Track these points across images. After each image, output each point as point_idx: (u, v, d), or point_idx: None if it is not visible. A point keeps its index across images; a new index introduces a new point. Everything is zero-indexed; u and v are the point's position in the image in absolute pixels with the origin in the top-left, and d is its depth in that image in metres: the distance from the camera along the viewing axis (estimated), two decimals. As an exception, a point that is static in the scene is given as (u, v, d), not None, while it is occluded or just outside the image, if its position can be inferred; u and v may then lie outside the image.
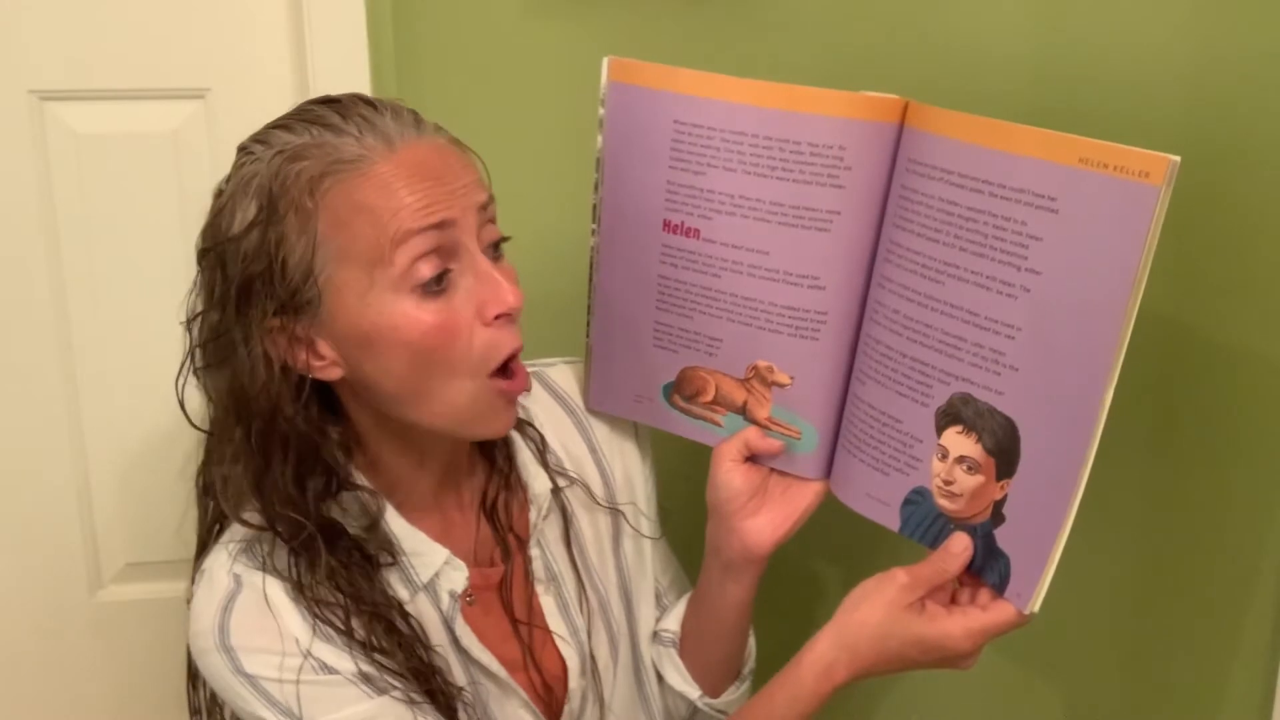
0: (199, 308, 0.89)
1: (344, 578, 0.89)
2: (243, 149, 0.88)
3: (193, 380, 0.91)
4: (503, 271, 0.89)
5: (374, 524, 0.92)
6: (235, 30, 1.22)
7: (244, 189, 0.85)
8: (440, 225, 0.84)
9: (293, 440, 0.88)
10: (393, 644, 0.90)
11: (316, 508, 0.90)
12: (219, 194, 0.88)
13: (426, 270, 0.84)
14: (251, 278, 0.85)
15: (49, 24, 1.18)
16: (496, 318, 0.87)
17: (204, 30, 1.21)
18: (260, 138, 0.88)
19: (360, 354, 0.87)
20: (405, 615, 0.92)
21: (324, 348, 0.87)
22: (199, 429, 0.93)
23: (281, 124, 0.87)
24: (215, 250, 0.87)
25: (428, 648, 0.92)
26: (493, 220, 0.90)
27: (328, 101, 0.88)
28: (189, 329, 0.90)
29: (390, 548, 0.93)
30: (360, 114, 0.86)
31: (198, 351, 0.89)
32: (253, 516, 0.90)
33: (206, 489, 0.95)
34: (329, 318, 0.86)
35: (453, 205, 0.85)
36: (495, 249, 0.90)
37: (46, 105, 1.20)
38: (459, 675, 0.95)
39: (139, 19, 1.19)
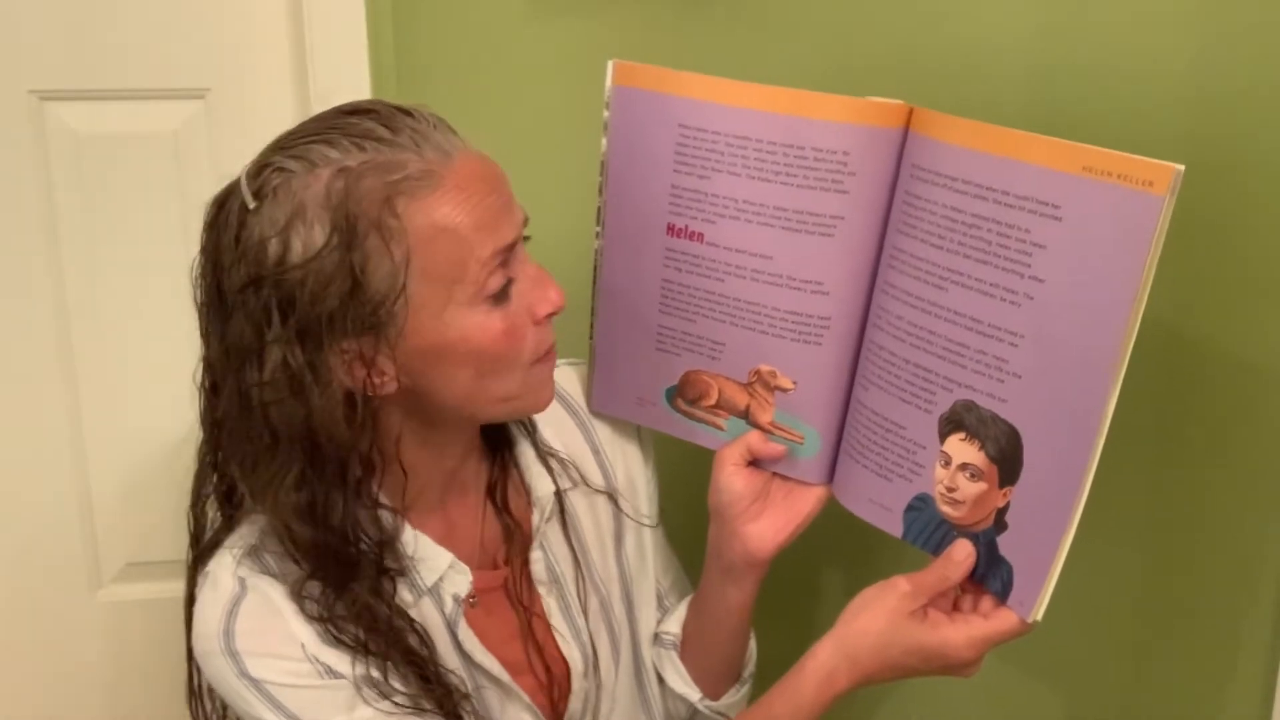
0: (245, 341, 0.83)
1: (355, 601, 0.89)
2: (268, 165, 0.83)
3: (190, 384, 0.89)
4: (541, 272, 0.91)
5: (390, 541, 0.91)
6: (235, 30, 1.21)
7: (300, 212, 0.81)
8: (514, 243, 0.87)
9: (350, 462, 0.86)
10: (402, 660, 0.90)
11: (354, 531, 0.89)
12: (246, 211, 0.83)
13: (497, 282, 0.86)
14: (329, 304, 0.81)
15: (49, 24, 1.18)
16: (546, 316, 0.90)
17: (204, 30, 1.21)
18: (296, 153, 0.83)
19: (427, 366, 0.86)
20: (418, 632, 0.92)
21: (385, 364, 0.85)
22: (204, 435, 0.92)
23: (320, 138, 0.83)
24: (272, 279, 0.81)
25: (439, 664, 0.92)
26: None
27: (361, 112, 0.85)
28: (247, 365, 0.84)
29: (399, 559, 0.92)
30: (407, 125, 0.84)
31: (260, 388, 0.84)
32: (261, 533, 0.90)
33: (222, 500, 0.94)
34: (399, 335, 0.84)
35: (513, 220, 0.87)
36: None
37: (46, 105, 1.20)
38: (464, 680, 0.95)
39: (139, 19, 1.19)
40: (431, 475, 0.95)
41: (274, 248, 0.82)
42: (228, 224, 0.84)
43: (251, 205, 0.82)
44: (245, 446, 0.86)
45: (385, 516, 0.91)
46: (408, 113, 0.86)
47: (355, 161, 0.82)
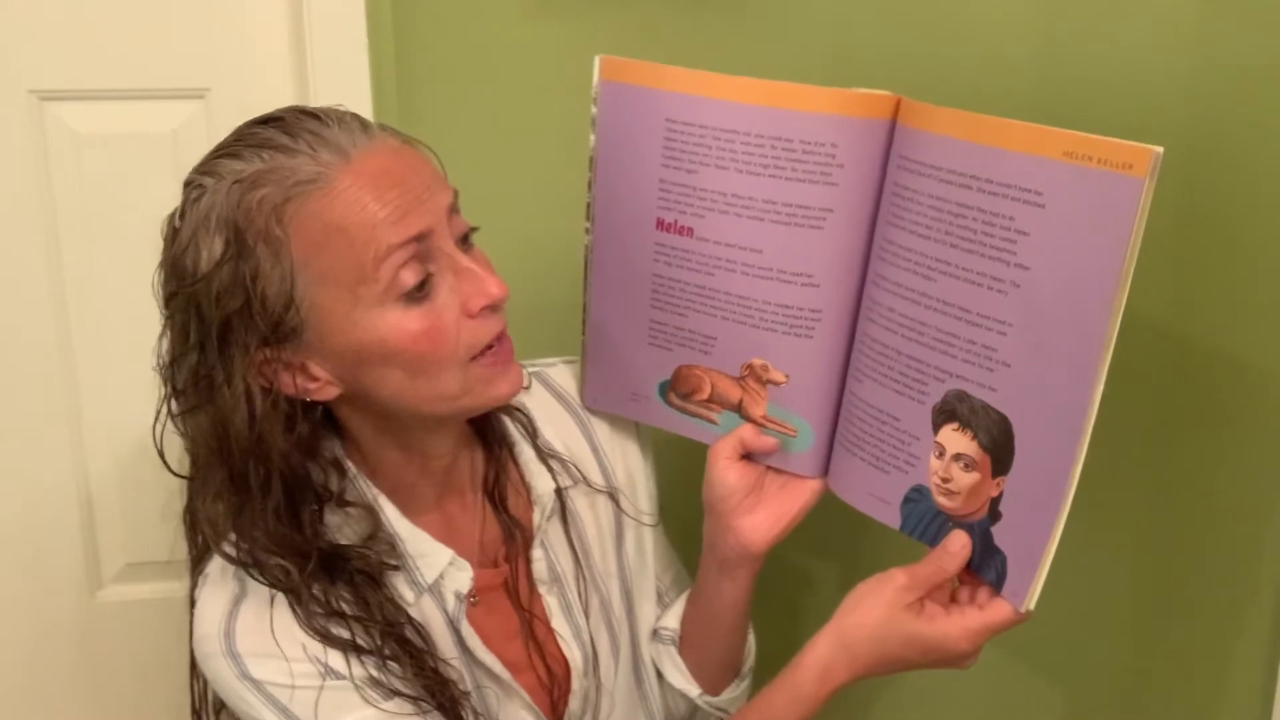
0: (173, 351, 0.87)
1: (349, 600, 0.89)
2: (190, 183, 0.86)
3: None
4: (478, 261, 0.89)
5: (373, 534, 0.92)
6: (235, 30, 1.22)
7: (204, 225, 0.84)
8: (419, 237, 0.84)
9: (281, 473, 0.87)
10: (403, 655, 0.90)
11: (312, 534, 0.89)
12: (174, 232, 0.86)
13: (410, 278, 0.84)
14: (229, 315, 0.83)
15: (49, 24, 1.18)
16: (482, 309, 0.87)
17: (204, 30, 1.21)
18: (207, 169, 0.85)
19: (354, 369, 0.87)
20: (415, 626, 0.92)
21: (316, 370, 0.87)
22: (177, 475, 0.92)
23: (227, 152, 0.85)
24: (185, 292, 0.85)
25: (437, 659, 0.92)
26: (458, 212, 0.89)
27: (269, 121, 0.86)
28: (166, 375, 0.88)
29: (393, 551, 0.92)
30: (307, 129, 0.84)
31: (178, 397, 0.87)
32: (234, 550, 0.89)
33: (193, 526, 0.94)
34: (317, 340, 0.85)
35: (425, 212, 0.84)
36: (465, 240, 0.89)
37: (46, 105, 1.20)
38: (464, 678, 0.95)
39: (139, 19, 1.20)
40: (421, 477, 0.95)
41: (188, 262, 0.84)
42: (163, 243, 0.87)
43: (177, 224, 0.86)
44: (192, 467, 0.89)
45: (364, 513, 0.92)
46: (315, 116, 0.86)
47: (251, 171, 0.83)
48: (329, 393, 0.88)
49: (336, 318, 0.84)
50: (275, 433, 0.86)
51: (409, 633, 0.91)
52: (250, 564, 0.88)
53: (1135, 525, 1.20)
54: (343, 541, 0.91)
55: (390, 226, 0.82)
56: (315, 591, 0.88)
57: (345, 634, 0.88)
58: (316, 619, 0.88)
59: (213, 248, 0.83)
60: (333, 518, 0.92)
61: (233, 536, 0.88)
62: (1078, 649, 1.27)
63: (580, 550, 1.04)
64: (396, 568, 0.92)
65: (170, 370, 0.87)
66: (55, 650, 1.35)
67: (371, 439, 0.93)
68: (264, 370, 0.85)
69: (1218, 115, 1.07)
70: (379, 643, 0.89)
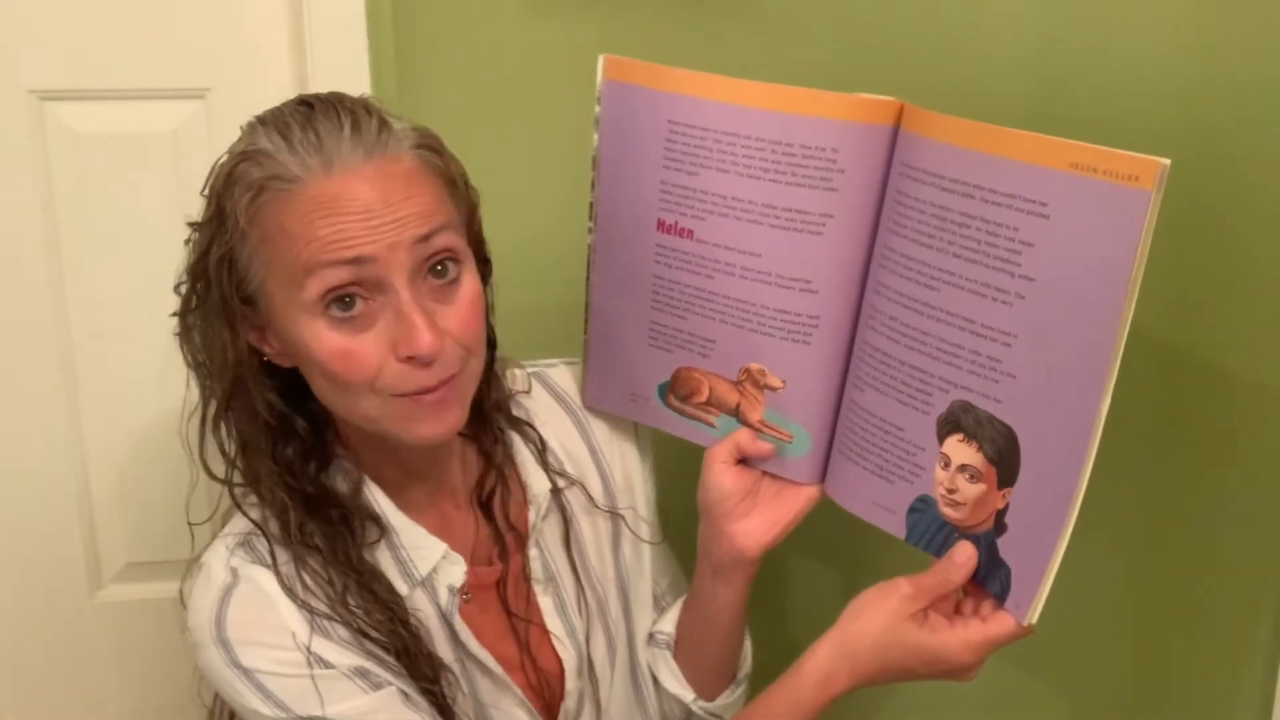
0: (181, 274, 0.91)
1: (324, 538, 0.90)
2: (242, 128, 0.89)
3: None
4: (447, 303, 0.87)
5: (356, 490, 0.93)
6: (235, 30, 1.21)
7: (215, 180, 0.88)
8: (355, 261, 0.83)
9: (262, 412, 0.90)
10: (374, 606, 0.90)
11: (301, 474, 0.92)
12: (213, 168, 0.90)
13: (334, 297, 0.84)
14: (208, 266, 0.87)
15: (49, 24, 1.18)
16: (408, 359, 0.85)
17: (204, 30, 1.21)
18: (250, 126, 0.88)
19: (294, 358, 0.89)
20: (391, 589, 0.92)
21: (271, 339, 0.89)
22: (190, 366, 0.94)
23: (265, 117, 0.88)
24: (193, 230, 0.90)
25: (407, 614, 0.92)
26: (445, 249, 0.86)
27: (305, 104, 0.87)
28: (178, 291, 0.92)
29: (378, 521, 0.93)
30: (318, 128, 0.84)
31: (181, 315, 0.92)
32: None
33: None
34: (268, 316, 0.88)
35: (376, 241, 0.83)
36: (441, 274, 0.86)
37: (46, 105, 1.20)
38: (455, 672, 0.95)
39: (139, 19, 1.19)
40: (406, 477, 0.96)
41: (202, 202, 0.89)
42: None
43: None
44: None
45: (349, 469, 0.93)
46: (337, 115, 0.86)
47: (256, 149, 0.85)
48: (284, 361, 0.90)
49: (279, 306, 0.86)
50: (255, 375, 0.89)
51: (379, 588, 0.91)
52: (253, 487, 0.92)
53: (1136, 533, 1.20)
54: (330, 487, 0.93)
55: (324, 245, 0.82)
56: (293, 535, 0.90)
57: (327, 598, 0.89)
58: (310, 588, 0.89)
59: (209, 205, 0.88)
60: (325, 477, 0.94)
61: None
62: (1079, 656, 1.26)
63: (576, 551, 1.04)
64: (378, 540, 0.93)
65: (179, 289, 0.92)
66: (55, 650, 1.35)
67: (347, 431, 0.94)
68: (238, 318, 0.88)
69: (1217, 119, 1.06)
70: (348, 592, 0.90)
